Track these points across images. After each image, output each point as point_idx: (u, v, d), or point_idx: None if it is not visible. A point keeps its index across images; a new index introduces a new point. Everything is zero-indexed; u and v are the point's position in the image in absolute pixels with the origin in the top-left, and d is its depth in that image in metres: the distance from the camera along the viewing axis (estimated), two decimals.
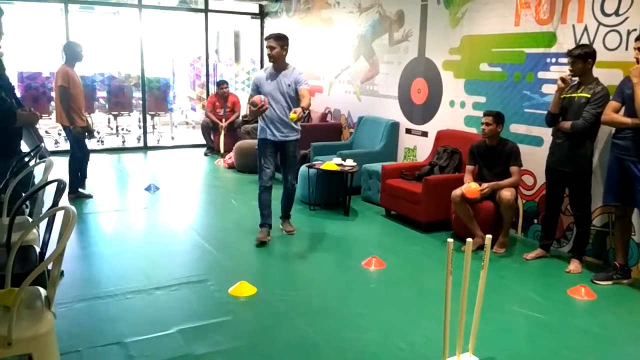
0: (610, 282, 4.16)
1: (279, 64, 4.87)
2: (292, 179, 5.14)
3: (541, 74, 5.00)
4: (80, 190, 6.27)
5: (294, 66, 4.99)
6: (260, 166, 5.01)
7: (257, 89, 4.92)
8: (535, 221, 5.16)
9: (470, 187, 4.69)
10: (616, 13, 4.33)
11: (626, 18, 4.26)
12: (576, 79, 4.30)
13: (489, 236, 2.78)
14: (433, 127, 6.32)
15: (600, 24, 4.47)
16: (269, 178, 4.99)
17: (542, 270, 4.53)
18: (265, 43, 4.93)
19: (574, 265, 4.44)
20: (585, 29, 4.57)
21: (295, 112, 4.47)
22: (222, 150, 9.04)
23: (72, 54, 5.97)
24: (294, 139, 5.00)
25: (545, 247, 4.74)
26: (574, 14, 4.66)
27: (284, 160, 5.09)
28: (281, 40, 4.84)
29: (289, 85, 4.85)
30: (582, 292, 3.97)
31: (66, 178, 5.95)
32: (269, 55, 4.86)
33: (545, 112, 4.54)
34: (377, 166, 6.25)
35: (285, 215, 5.35)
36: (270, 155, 4.99)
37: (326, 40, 8.30)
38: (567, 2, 4.72)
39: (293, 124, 4.90)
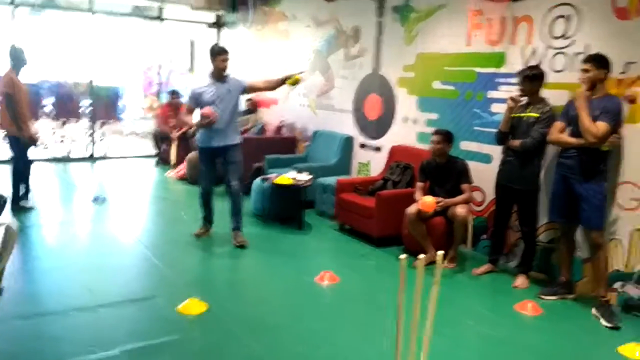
0: (555, 297, 4.27)
1: (223, 74, 5.12)
2: (236, 184, 5.20)
3: (491, 94, 5.13)
4: (22, 201, 6.01)
5: (230, 74, 5.20)
6: (201, 173, 5.38)
7: (196, 100, 5.11)
8: (484, 236, 5.26)
9: (426, 201, 4.74)
10: (564, 36, 4.50)
11: (573, 41, 4.43)
12: (525, 98, 4.43)
13: (440, 252, 2.80)
14: (387, 142, 6.39)
15: (548, 46, 4.62)
16: (208, 184, 5.34)
17: (491, 285, 4.61)
18: (219, 56, 5.06)
19: (521, 281, 4.54)
20: (534, 50, 4.73)
21: (298, 77, 4.98)
22: (173, 161, 8.86)
23: (16, 59, 5.76)
24: (235, 144, 5.19)
25: (494, 262, 4.83)
26: (523, 35, 4.81)
27: (227, 166, 5.20)
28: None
29: (230, 91, 5.09)
30: (529, 307, 4.05)
31: (7, 188, 5.74)
32: (223, 68, 5.07)
33: (495, 130, 4.66)
34: (331, 180, 6.25)
35: (236, 227, 5.31)
36: (210, 162, 5.25)
37: (282, 52, 8.28)
38: (517, 24, 4.86)
39: (235, 130, 5.22)
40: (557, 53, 4.55)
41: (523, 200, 4.52)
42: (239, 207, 5.29)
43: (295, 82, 5.03)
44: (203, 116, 4.90)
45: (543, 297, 4.28)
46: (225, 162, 5.19)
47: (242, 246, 5.17)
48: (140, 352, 3.15)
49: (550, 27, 4.60)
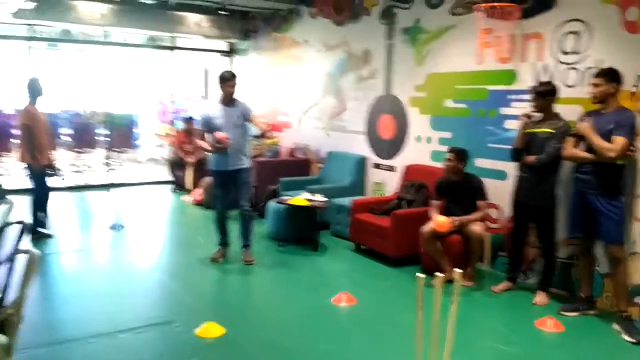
0: (576, 313, 4.21)
1: (232, 99, 5.24)
2: (246, 205, 5.35)
3: (503, 110, 5.14)
4: (41, 229, 6.09)
5: (238, 99, 5.32)
6: (215, 195, 5.45)
7: (207, 124, 5.23)
8: (502, 253, 5.22)
9: (440, 221, 4.73)
10: (575, 52, 4.51)
11: (584, 56, 4.44)
12: (539, 114, 4.43)
13: (458, 270, 2.79)
14: (400, 161, 6.40)
15: (559, 62, 4.64)
16: (223, 207, 5.41)
17: (510, 303, 4.56)
18: (228, 82, 5.21)
19: (541, 297, 4.48)
20: (545, 66, 4.74)
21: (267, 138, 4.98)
22: (189, 187, 8.94)
23: (32, 90, 5.89)
24: (246, 167, 5.32)
25: (512, 279, 4.78)
26: (534, 52, 4.84)
27: (237, 188, 5.33)
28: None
29: (238, 117, 5.21)
30: (550, 324, 4.00)
31: (28, 217, 5.82)
32: (231, 93, 5.22)
33: (509, 147, 4.66)
34: (346, 201, 6.25)
35: (245, 245, 5.44)
36: (224, 185, 5.34)
37: (294, 77, 8.39)
38: (527, 42, 4.89)
39: (245, 153, 5.32)
40: (569, 68, 4.57)
41: (540, 217, 4.49)
42: (249, 226, 5.44)
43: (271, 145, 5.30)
44: (217, 140, 5.02)
45: (564, 313, 4.22)
46: (236, 185, 5.32)
47: (249, 264, 5.31)
48: None
49: (561, 43, 4.62)
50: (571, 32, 4.55)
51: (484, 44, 5.26)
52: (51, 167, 6.14)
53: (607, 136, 3.87)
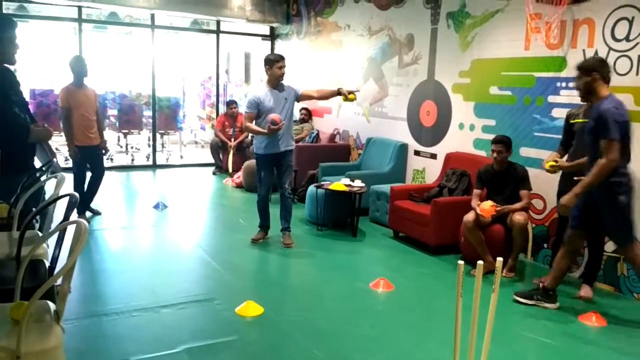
0: (531, 302, 4.11)
1: (280, 83, 5.23)
2: (288, 188, 5.41)
3: (551, 98, 5.01)
4: (90, 208, 6.21)
5: (284, 82, 5.32)
6: (260, 179, 5.40)
7: (257, 107, 5.20)
8: (545, 245, 5.11)
9: (484, 207, 4.66)
10: (627, 39, 4.35)
11: (637, 44, 4.28)
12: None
13: (500, 259, 2.74)
14: (442, 149, 6.32)
15: (610, 49, 4.48)
16: (267, 189, 5.42)
17: None
18: (276, 64, 5.18)
19: (585, 291, 4.37)
20: (596, 53, 4.59)
21: (352, 93, 5.19)
22: (230, 170, 9.06)
23: (75, 69, 5.83)
24: (292, 149, 5.37)
25: None
26: (584, 38, 4.69)
27: (281, 170, 5.37)
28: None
29: (286, 99, 5.22)
30: (593, 318, 3.91)
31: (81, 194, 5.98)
32: (281, 75, 5.18)
33: (556, 136, 4.55)
34: (385, 187, 6.23)
35: (285, 228, 5.48)
36: (269, 168, 5.36)
37: (336, 62, 8.36)
38: (577, 27, 4.74)
39: (293, 136, 5.43)
40: (620, 56, 4.41)
41: None
42: (290, 208, 5.48)
43: (351, 100, 5.28)
44: (272, 122, 5.01)
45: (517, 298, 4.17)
46: (279, 167, 5.35)
47: (289, 246, 5.37)
48: (201, 350, 3.24)
49: (613, 30, 4.46)
50: (623, 19, 4.38)
51: (532, 29, 5.11)
52: (104, 147, 6.22)
53: None
